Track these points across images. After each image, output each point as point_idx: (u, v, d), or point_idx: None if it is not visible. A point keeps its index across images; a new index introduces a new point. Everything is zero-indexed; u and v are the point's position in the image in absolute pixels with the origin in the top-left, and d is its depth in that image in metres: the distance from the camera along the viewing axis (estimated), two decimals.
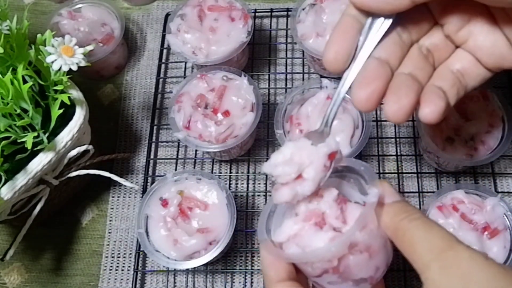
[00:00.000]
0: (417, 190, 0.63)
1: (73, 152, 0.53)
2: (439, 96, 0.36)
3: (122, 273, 0.63)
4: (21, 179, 0.49)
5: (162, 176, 0.59)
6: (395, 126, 0.67)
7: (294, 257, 0.36)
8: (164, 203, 0.56)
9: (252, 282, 0.61)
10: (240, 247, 0.62)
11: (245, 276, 0.61)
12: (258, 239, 0.38)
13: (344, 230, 0.36)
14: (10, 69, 0.48)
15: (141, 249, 0.60)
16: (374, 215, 0.35)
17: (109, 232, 0.65)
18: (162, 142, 0.69)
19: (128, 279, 0.62)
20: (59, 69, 0.47)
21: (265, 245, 0.37)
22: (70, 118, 0.52)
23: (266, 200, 0.65)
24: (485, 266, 0.29)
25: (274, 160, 0.37)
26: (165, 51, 0.74)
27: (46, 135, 0.51)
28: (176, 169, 0.66)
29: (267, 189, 0.65)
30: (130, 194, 0.67)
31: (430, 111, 0.36)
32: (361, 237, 0.34)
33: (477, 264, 0.29)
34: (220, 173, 0.67)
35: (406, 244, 0.32)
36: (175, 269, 0.61)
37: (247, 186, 0.66)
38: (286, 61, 0.72)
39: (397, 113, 0.35)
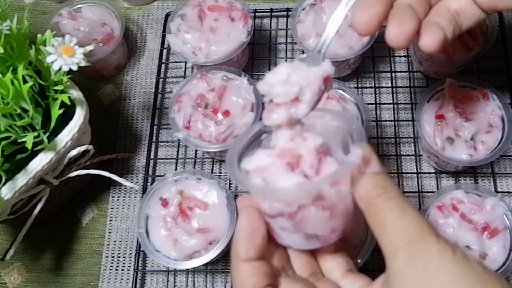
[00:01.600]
0: (417, 190, 0.63)
1: (73, 152, 0.53)
2: (438, 27, 0.38)
3: (122, 273, 0.63)
4: (22, 179, 0.49)
5: (162, 176, 0.59)
6: (395, 126, 0.67)
7: (256, 188, 0.34)
8: (164, 203, 0.56)
9: None
10: None
11: None
12: (226, 166, 0.36)
13: (314, 180, 0.34)
14: (11, 69, 0.48)
15: (141, 249, 0.60)
16: (349, 177, 0.34)
17: (109, 232, 0.65)
18: (162, 142, 0.69)
19: (128, 279, 0.62)
20: (59, 69, 0.47)
21: (231, 172, 0.35)
22: (70, 118, 0.52)
23: None
24: (452, 264, 0.28)
25: (270, 79, 0.35)
26: (165, 51, 0.74)
27: (47, 135, 0.51)
28: (176, 169, 0.66)
29: None
30: (130, 194, 0.67)
31: (431, 40, 0.37)
32: (329, 194, 0.33)
33: (445, 260, 0.29)
34: (220, 173, 0.67)
35: (377, 224, 0.31)
36: (175, 269, 0.61)
37: None
38: (286, 61, 0.72)
39: (400, 37, 0.36)
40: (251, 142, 0.38)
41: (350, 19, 0.38)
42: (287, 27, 0.74)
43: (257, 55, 0.73)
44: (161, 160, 0.68)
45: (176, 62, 0.74)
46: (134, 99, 0.73)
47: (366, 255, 0.50)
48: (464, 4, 0.40)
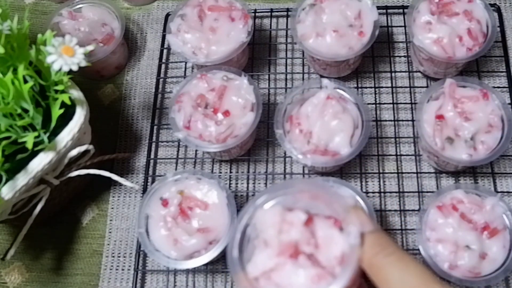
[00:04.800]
0: (416, 190, 0.63)
1: (74, 152, 0.53)
2: None
3: (123, 272, 0.63)
4: (22, 179, 0.49)
5: (162, 176, 0.59)
6: (395, 126, 0.67)
7: None
8: (165, 202, 0.56)
9: None
10: None
11: None
12: (231, 273, 0.36)
13: (318, 257, 0.34)
14: (11, 69, 0.48)
15: (142, 249, 0.61)
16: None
17: (110, 232, 0.65)
18: (162, 142, 0.69)
19: (128, 279, 0.63)
20: (60, 69, 0.47)
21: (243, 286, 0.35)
22: (71, 118, 0.52)
23: None
24: None
25: None
26: (165, 51, 0.74)
27: (47, 135, 0.51)
28: (176, 169, 0.67)
29: None
30: (131, 193, 0.67)
31: None
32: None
33: None
34: (220, 173, 0.67)
35: (381, 281, 0.32)
36: (175, 269, 0.62)
37: (247, 186, 0.66)
38: (286, 61, 0.72)
39: None
40: (242, 238, 0.37)
41: None
42: (287, 27, 0.74)
43: (257, 55, 0.73)
44: (161, 160, 0.68)
45: (176, 62, 0.74)
46: (134, 99, 0.73)
47: None
48: None
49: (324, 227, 0.35)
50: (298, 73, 0.72)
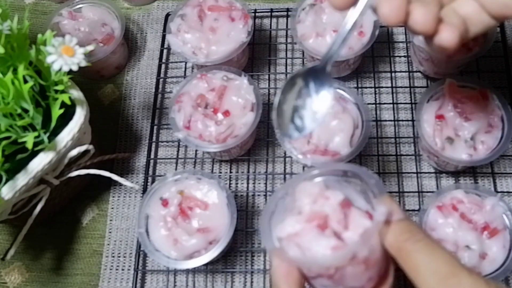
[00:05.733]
0: (416, 190, 0.63)
1: (74, 152, 0.54)
2: (454, 25, 0.37)
3: (123, 272, 0.63)
4: (22, 179, 0.49)
5: (162, 176, 0.59)
6: (395, 126, 0.67)
7: (295, 260, 0.36)
8: (165, 202, 0.56)
9: (252, 282, 0.61)
10: (240, 247, 0.62)
11: (245, 276, 0.62)
12: (260, 234, 0.39)
13: (344, 236, 0.36)
14: (11, 69, 0.48)
15: (142, 249, 0.61)
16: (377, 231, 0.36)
17: (110, 232, 0.65)
18: (162, 142, 0.69)
19: (128, 279, 0.63)
20: (60, 69, 0.47)
21: (268, 245, 0.37)
22: (71, 118, 0.52)
23: (266, 200, 0.65)
24: None
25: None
26: (165, 51, 0.74)
27: (47, 135, 0.51)
28: (176, 169, 0.67)
29: (267, 189, 0.65)
30: (131, 193, 0.67)
31: (450, 35, 0.37)
32: (362, 251, 0.35)
33: None
34: (220, 173, 0.67)
35: (410, 266, 0.33)
36: (175, 269, 0.62)
37: (247, 186, 0.66)
38: (286, 61, 0.72)
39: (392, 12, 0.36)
40: (277, 205, 0.40)
41: (378, 14, 0.37)
42: (287, 27, 0.74)
43: (257, 55, 0.73)
44: (161, 160, 0.68)
45: (176, 62, 0.74)
46: (134, 99, 0.73)
47: None
48: (472, 10, 0.39)
49: (359, 216, 0.36)
50: None
